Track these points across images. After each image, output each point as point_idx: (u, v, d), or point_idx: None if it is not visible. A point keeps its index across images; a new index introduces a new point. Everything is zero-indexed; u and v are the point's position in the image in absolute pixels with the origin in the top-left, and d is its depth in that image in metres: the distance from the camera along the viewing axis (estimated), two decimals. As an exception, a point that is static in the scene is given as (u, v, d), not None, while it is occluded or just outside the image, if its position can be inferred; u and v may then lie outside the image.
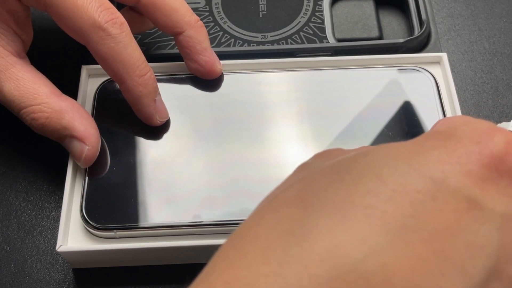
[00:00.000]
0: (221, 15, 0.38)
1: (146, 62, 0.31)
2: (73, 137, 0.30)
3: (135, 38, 0.31)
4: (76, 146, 0.30)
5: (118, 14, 0.30)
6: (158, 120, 0.32)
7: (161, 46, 0.37)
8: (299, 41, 0.37)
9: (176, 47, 0.34)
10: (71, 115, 0.30)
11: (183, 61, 0.34)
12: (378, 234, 0.16)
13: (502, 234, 0.17)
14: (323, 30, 0.37)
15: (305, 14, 0.38)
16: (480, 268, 0.17)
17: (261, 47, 0.36)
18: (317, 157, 0.22)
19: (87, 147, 0.30)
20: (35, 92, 0.30)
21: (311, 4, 0.39)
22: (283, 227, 0.18)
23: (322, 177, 0.19)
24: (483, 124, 0.19)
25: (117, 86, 0.34)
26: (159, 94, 0.32)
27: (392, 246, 0.16)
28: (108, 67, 0.30)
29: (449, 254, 0.16)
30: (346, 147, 0.31)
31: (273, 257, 0.17)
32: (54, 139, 0.31)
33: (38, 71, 0.31)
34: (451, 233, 0.17)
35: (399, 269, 0.16)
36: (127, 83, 0.30)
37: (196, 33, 0.32)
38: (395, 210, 0.17)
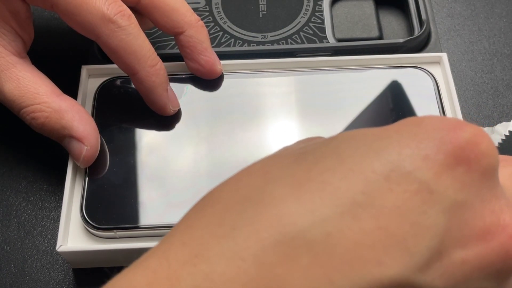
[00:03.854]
0: (221, 15, 0.38)
1: (155, 52, 0.31)
2: (72, 137, 0.30)
3: (145, 33, 0.31)
4: (75, 146, 0.30)
5: (124, 6, 0.30)
6: (171, 109, 0.32)
7: (161, 46, 0.37)
8: (299, 41, 0.37)
9: (176, 47, 0.34)
10: (70, 115, 0.30)
11: (183, 61, 0.34)
12: (327, 206, 0.17)
13: (449, 219, 0.18)
14: (323, 30, 0.37)
15: (305, 14, 0.38)
16: (423, 248, 0.17)
17: (261, 47, 0.36)
18: (298, 142, 0.23)
19: (85, 148, 0.30)
20: (35, 92, 0.30)
21: (311, 4, 0.39)
22: (242, 193, 0.19)
23: (289, 155, 0.20)
24: (455, 119, 0.19)
25: (117, 86, 0.34)
26: (169, 84, 0.32)
27: (339, 219, 0.17)
28: (119, 60, 0.30)
29: (394, 231, 0.17)
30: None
31: (228, 220, 0.18)
32: (53, 138, 0.31)
33: (39, 71, 0.31)
34: (398, 212, 0.17)
35: (343, 240, 0.17)
36: (140, 74, 0.30)
37: (196, 32, 0.33)
38: (348, 187, 0.18)
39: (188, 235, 0.18)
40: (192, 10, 0.33)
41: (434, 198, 0.18)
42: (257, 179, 0.19)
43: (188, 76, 0.34)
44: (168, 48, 0.36)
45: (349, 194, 0.17)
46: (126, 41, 0.30)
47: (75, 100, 0.31)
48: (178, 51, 0.34)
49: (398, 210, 0.17)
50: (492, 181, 0.19)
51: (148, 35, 0.37)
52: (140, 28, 0.30)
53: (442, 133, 0.18)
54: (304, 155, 0.19)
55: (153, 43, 0.37)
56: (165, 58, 0.35)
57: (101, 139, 0.31)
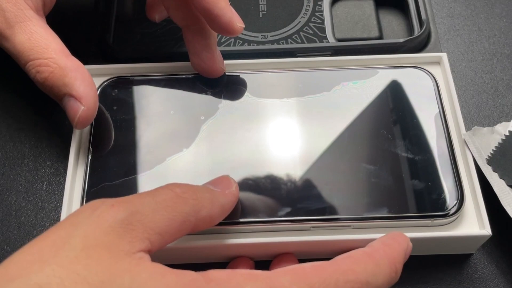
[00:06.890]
0: (221, 15, 0.38)
1: None
2: (71, 95, 0.30)
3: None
4: (72, 105, 0.30)
5: None
6: (238, 25, 0.31)
7: (163, 46, 0.37)
8: (299, 41, 0.37)
9: (178, 45, 0.33)
10: (74, 74, 0.30)
11: (185, 61, 0.34)
12: None
13: None
14: (323, 30, 0.37)
15: (305, 14, 0.38)
16: None
17: (261, 47, 0.36)
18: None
19: (82, 108, 0.30)
20: (45, 47, 0.30)
21: (311, 4, 0.39)
22: None
23: None
24: None
25: (117, 86, 0.34)
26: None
27: None
28: None
29: None
30: (345, 147, 0.31)
31: None
32: (53, 96, 0.31)
33: (52, 31, 0.31)
34: None
35: None
36: None
37: None
38: None
39: None
40: None
41: None
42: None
43: (188, 76, 0.34)
44: (169, 47, 0.36)
45: None
46: None
47: (81, 63, 0.31)
48: (181, 50, 0.34)
49: None
50: None
51: (150, 33, 0.37)
52: None
53: None
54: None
55: (155, 42, 0.37)
56: (166, 58, 0.35)
57: (101, 139, 0.32)
